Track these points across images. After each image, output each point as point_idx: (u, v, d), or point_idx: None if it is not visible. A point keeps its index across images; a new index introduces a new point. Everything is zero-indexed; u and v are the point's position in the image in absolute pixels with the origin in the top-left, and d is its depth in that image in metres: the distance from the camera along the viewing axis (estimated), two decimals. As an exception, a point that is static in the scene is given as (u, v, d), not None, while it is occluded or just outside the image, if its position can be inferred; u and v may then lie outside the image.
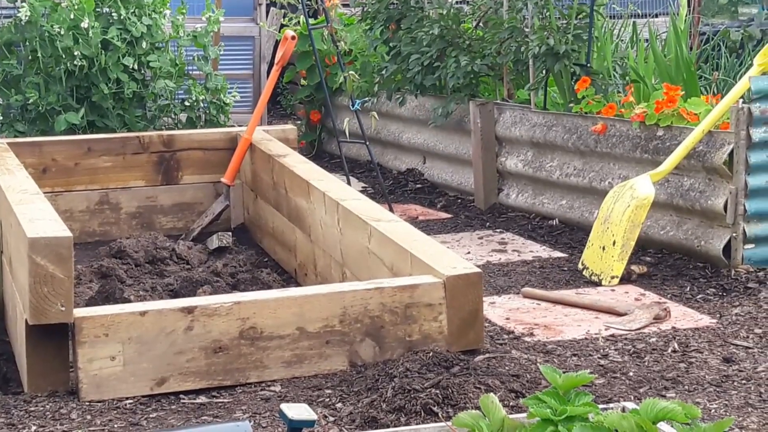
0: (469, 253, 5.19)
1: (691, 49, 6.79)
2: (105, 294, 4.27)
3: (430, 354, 3.48)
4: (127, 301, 4.20)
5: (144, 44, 6.40)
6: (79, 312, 3.43)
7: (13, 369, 3.72)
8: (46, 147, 5.57)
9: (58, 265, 3.42)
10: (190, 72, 6.75)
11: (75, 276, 4.43)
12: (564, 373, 2.46)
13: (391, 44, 6.67)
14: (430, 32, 6.19)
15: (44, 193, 4.50)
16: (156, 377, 3.43)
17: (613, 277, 4.63)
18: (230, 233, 5.48)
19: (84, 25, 6.17)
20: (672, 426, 2.36)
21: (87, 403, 3.36)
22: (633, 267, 4.71)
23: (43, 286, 3.40)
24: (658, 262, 4.87)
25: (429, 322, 3.63)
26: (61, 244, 3.45)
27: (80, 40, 6.22)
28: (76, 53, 6.19)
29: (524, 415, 2.43)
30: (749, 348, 3.81)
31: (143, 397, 3.41)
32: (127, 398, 3.39)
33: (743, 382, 3.50)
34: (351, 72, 6.06)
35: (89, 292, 4.40)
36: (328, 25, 6.31)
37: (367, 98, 6.78)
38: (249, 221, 5.72)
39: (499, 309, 4.35)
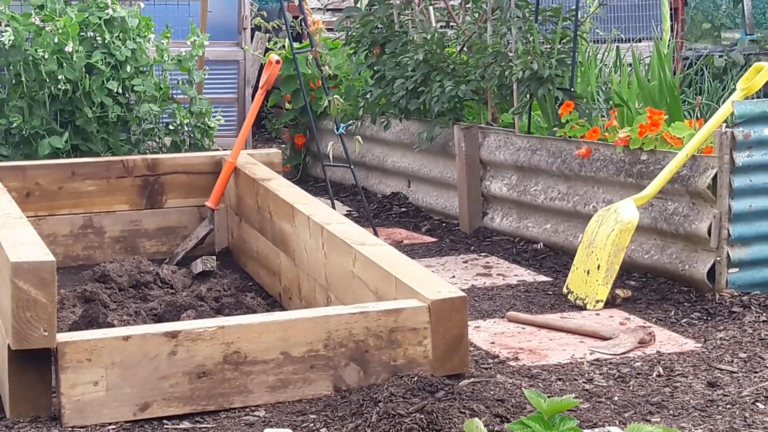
0: (453, 277, 5.19)
1: (674, 73, 6.81)
2: (88, 318, 4.25)
3: (415, 378, 3.48)
4: (111, 325, 4.17)
5: (128, 68, 6.39)
6: (62, 337, 3.41)
7: (-5, 394, 3.70)
8: (29, 171, 5.55)
9: (40, 289, 3.41)
10: (175, 96, 6.74)
11: (58, 300, 4.42)
12: (549, 397, 2.46)
13: (375, 68, 6.68)
14: (415, 57, 6.20)
15: (28, 217, 4.48)
16: (139, 402, 3.41)
17: (597, 301, 4.63)
18: (214, 257, 5.46)
19: (68, 49, 6.16)
20: (657, 451, 2.36)
21: (69, 429, 3.34)
22: (618, 291, 4.71)
23: (25, 311, 3.38)
24: (643, 286, 4.87)
25: (414, 346, 3.62)
26: (43, 268, 3.43)
27: (64, 65, 6.21)
28: (60, 77, 6.18)
29: (509, 440, 2.43)
30: (734, 372, 3.81)
31: (126, 422, 3.39)
32: (110, 424, 3.37)
33: (728, 406, 3.49)
34: (335, 96, 6.06)
35: (72, 317, 4.38)
36: (313, 50, 6.31)
37: (351, 122, 6.78)
38: (233, 245, 5.71)
39: (484, 333, 4.34)
